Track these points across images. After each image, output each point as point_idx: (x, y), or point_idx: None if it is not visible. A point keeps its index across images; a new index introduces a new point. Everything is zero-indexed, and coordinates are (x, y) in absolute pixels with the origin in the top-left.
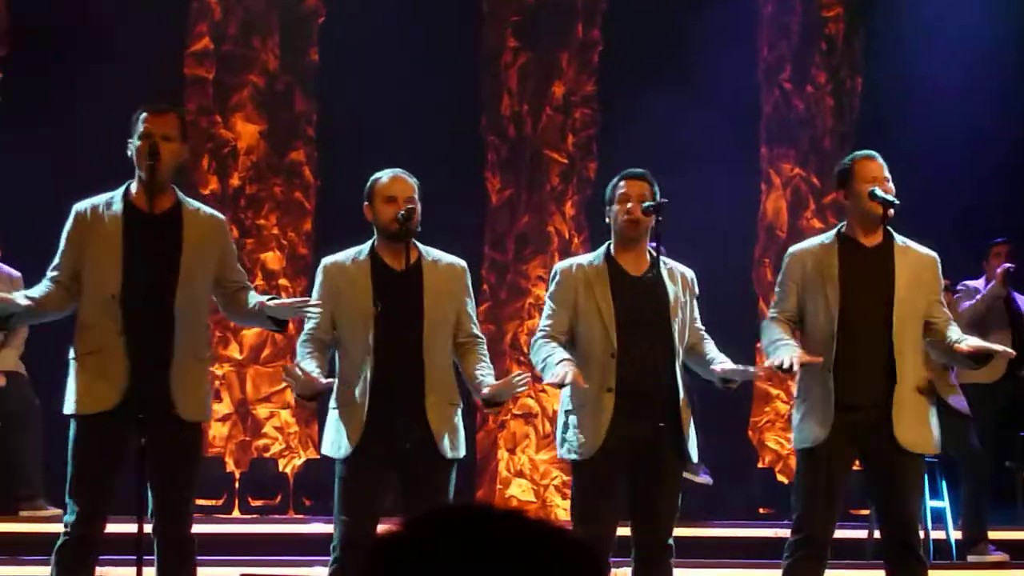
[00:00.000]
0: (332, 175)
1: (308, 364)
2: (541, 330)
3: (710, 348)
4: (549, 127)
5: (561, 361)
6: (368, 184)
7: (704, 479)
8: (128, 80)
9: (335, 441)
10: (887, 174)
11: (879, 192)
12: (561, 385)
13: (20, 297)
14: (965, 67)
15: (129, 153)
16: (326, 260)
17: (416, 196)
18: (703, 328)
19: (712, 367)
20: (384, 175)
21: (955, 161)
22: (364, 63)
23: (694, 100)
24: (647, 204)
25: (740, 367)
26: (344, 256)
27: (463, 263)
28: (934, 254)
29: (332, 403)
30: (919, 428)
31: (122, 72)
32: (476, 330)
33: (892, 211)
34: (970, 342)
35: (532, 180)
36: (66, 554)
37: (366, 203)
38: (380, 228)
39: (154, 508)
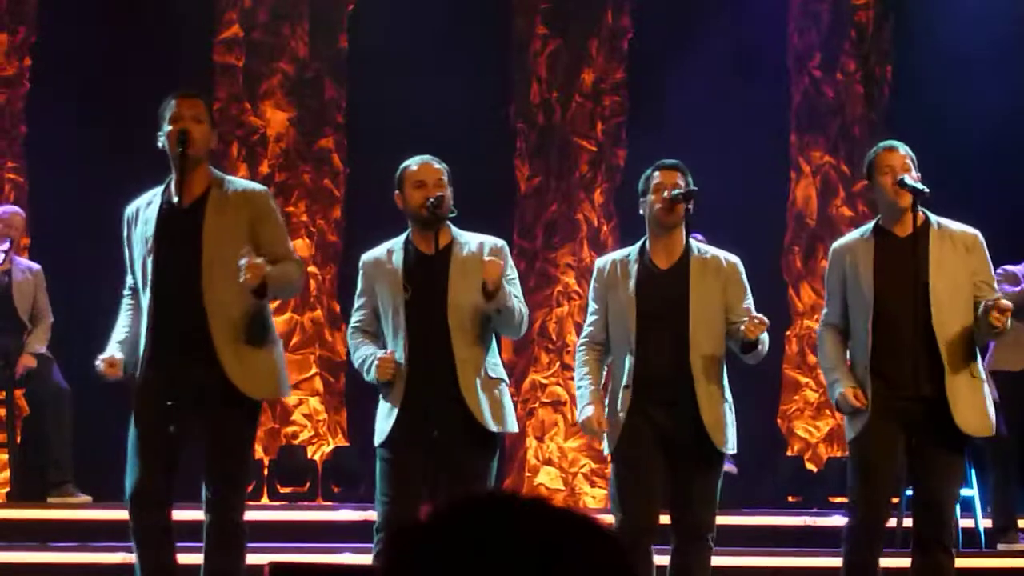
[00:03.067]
0: (361, 162)
1: (370, 348)
2: (584, 336)
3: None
4: (578, 114)
5: (587, 405)
6: (398, 172)
7: (728, 467)
8: (157, 68)
9: (379, 426)
10: (909, 163)
11: (908, 180)
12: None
13: (116, 352)
14: (997, 55)
15: (160, 144)
16: (365, 256)
17: (445, 180)
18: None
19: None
20: (413, 162)
21: (986, 149)
22: (393, 50)
23: (723, 87)
24: (676, 192)
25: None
26: (380, 249)
27: (500, 242)
28: (974, 232)
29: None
30: (976, 412)
31: (151, 60)
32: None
33: (921, 197)
34: (996, 310)
35: (561, 168)
36: (137, 547)
37: (396, 192)
38: (411, 214)
39: (206, 494)
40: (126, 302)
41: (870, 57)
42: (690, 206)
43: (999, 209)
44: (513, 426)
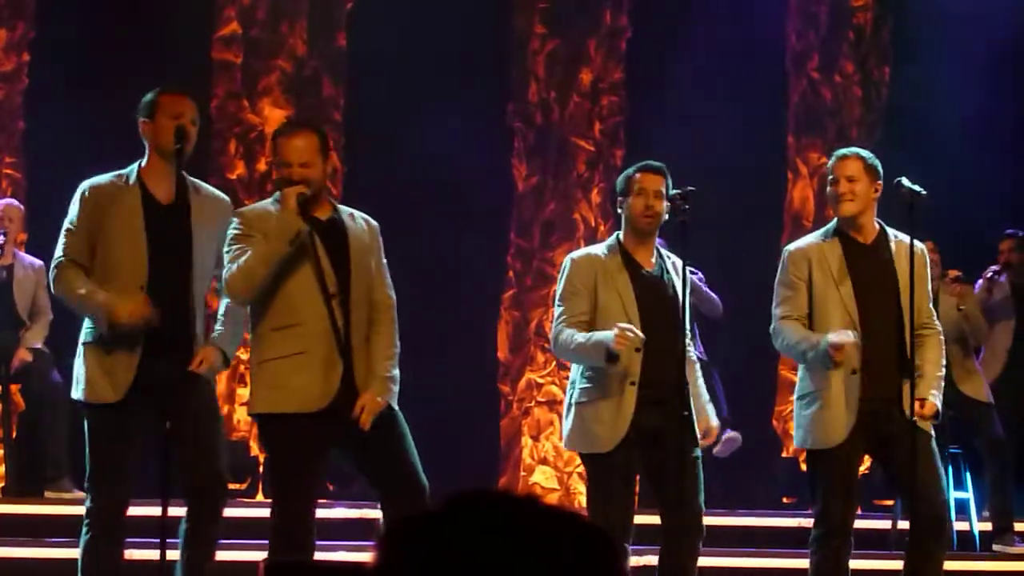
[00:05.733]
0: (359, 161)
1: None
2: (560, 320)
3: (701, 384)
4: (576, 114)
5: (598, 333)
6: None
7: (731, 434)
8: (156, 64)
9: (292, 392)
10: (852, 172)
11: (906, 182)
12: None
13: (101, 295)
14: (994, 58)
15: (146, 135)
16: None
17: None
18: (690, 336)
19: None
20: (280, 135)
21: (982, 152)
22: (392, 49)
23: (721, 88)
24: (674, 191)
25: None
26: (262, 206)
27: (375, 222)
28: (922, 245)
29: (274, 353)
30: (927, 418)
31: (150, 56)
32: (388, 297)
33: (918, 200)
34: (925, 412)
35: (559, 167)
36: (92, 541)
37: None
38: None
39: (189, 487)
40: (80, 270)
41: (868, 59)
42: (687, 206)
43: (998, 211)
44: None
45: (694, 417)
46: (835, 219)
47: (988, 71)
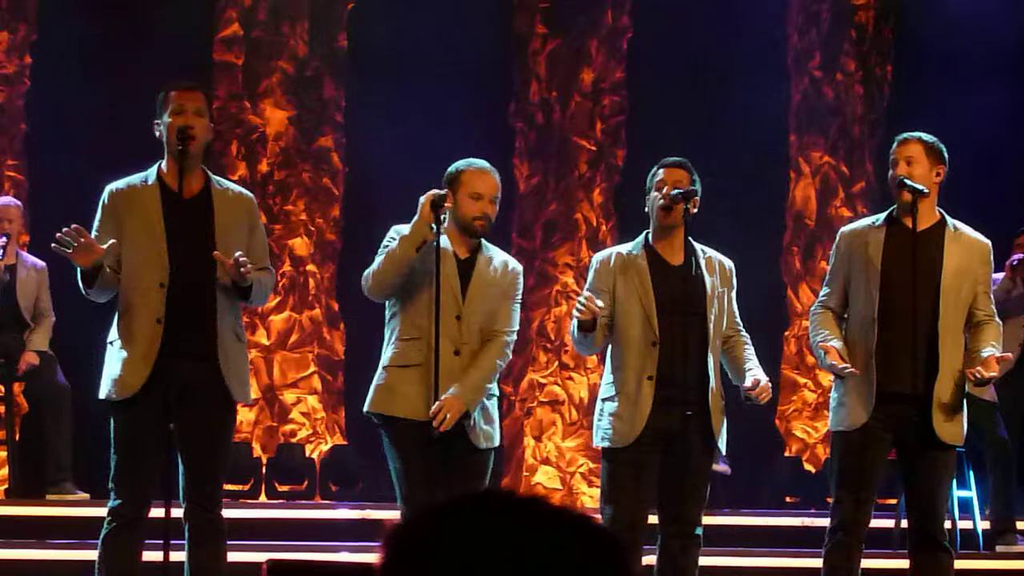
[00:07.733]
0: (360, 161)
1: None
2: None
3: (749, 354)
4: (578, 114)
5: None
6: (452, 171)
7: (722, 468)
8: (158, 66)
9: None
10: (912, 153)
11: (908, 180)
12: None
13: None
14: (997, 56)
15: (158, 134)
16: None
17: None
18: (741, 325)
19: (746, 375)
20: (471, 168)
21: (987, 149)
22: (393, 49)
23: (723, 87)
24: (675, 192)
25: (763, 384)
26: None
27: (518, 266)
28: (987, 241)
29: (390, 362)
30: (954, 421)
31: (151, 58)
32: (507, 328)
33: (920, 197)
34: (983, 370)
35: (560, 167)
36: (110, 540)
37: (447, 188)
38: (459, 220)
39: (187, 491)
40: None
41: (870, 57)
42: (689, 206)
43: (999, 210)
44: (496, 441)
45: (711, 421)
46: (893, 206)
47: (990, 69)
